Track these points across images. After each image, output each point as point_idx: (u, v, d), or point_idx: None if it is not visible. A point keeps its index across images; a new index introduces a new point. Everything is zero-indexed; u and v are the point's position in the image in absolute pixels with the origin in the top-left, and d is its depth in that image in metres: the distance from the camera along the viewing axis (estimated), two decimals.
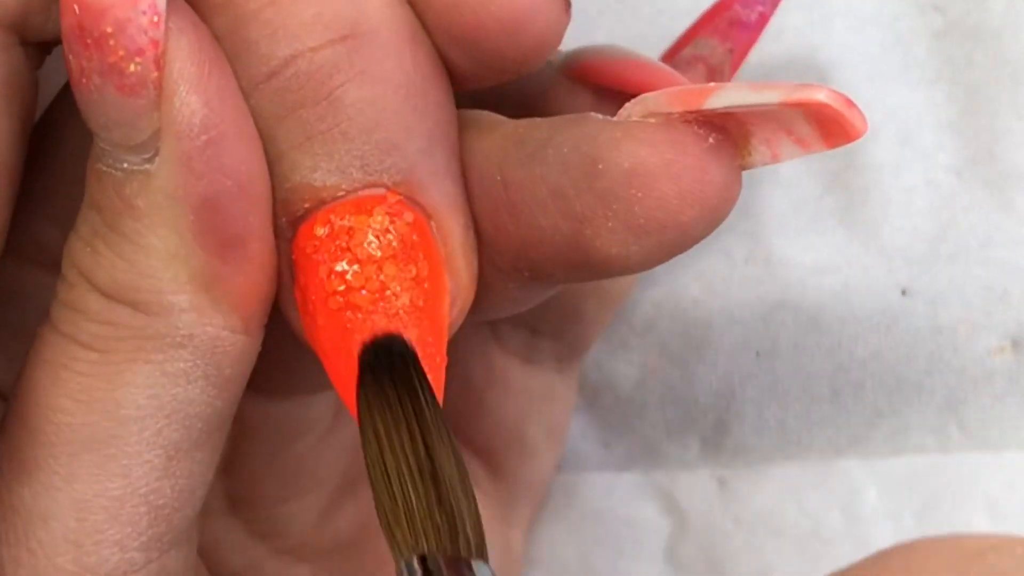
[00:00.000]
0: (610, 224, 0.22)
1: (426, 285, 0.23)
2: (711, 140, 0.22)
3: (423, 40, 0.23)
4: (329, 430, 0.31)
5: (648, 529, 0.35)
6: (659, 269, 0.34)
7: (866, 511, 0.33)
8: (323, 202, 0.23)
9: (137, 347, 0.22)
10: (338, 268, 0.23)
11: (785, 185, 0.33)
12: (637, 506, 0.35)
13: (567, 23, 0.23)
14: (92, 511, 0.22)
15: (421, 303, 0.23)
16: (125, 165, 0.22)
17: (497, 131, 0.24)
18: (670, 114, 0.22)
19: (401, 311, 0.23)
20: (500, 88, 0.26)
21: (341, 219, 0.23)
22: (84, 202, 0.23)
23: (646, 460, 0.35)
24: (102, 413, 0.22)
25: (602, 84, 0.27)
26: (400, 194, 0.23)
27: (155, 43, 0.21)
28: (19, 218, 0.24)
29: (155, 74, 0.21)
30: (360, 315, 0.23)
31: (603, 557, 0.35)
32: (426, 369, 0.23)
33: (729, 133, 0.22)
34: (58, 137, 0.25)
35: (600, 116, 0.23)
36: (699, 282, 0.33)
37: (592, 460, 0.35)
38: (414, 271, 0.23)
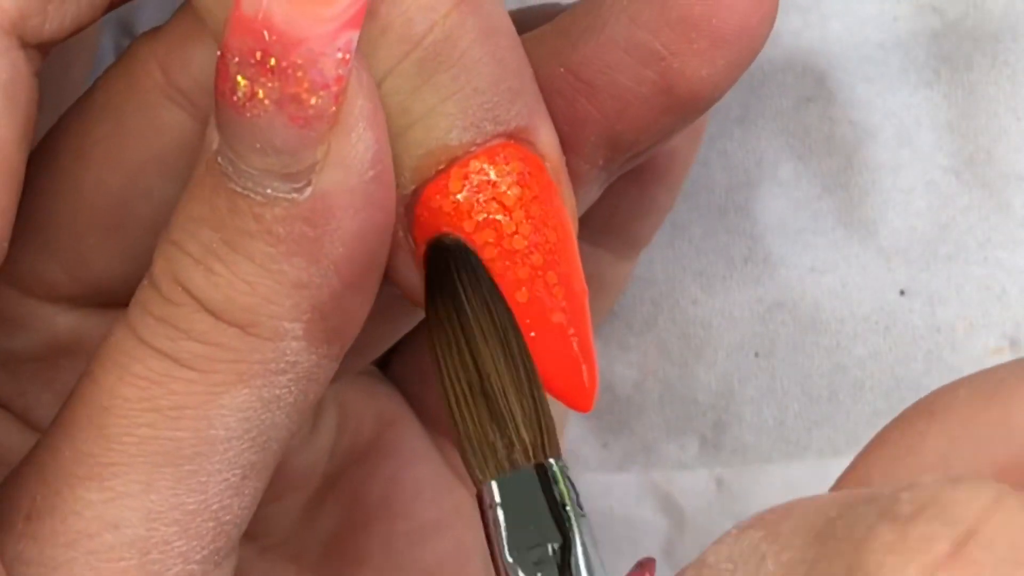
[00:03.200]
0: (695, 46, 0.23)
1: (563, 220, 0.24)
2: None
3: None
4: (310, 431, 0.31)
5: (646, 529, 0.35)
6: (658, 269, 0.34)
7: None
8: (456, 160, 0.23)
9: (240, 371, 0.22)
10: (486, 219, 0.23)
11: (784, 185, 0.33)
12: (635, 506, 0.35)
13: None
14: (164, 523, 0.22)
15: (565, 237, 0.24)
16: (269, 191, 0.22)
17: (532, 39, 0.24)
18: None
19: (554, 248, 0.23)
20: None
21: (478, 172, 0.23)
22: (189, 218, 0.22)
23: (644, 460, 0.35)
24: (191, 431, 0.22)
25: None
26: (522, 139, 0.23)
27: (340, 79, 0.21)
28: (18, 250, 0.24)
29: (333, 109, 0.21)
30: (518, 258, 0.23)
31: (601, 556, 0.35)
32: (574, 301, 0.23)
33: None
34: (55, 169, 0.25)
35: None
36: (698, 282, 0.34)
37: (591, 460, 0.35)
38: (553, 209, 0.23)
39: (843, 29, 0.32)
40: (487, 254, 0.23)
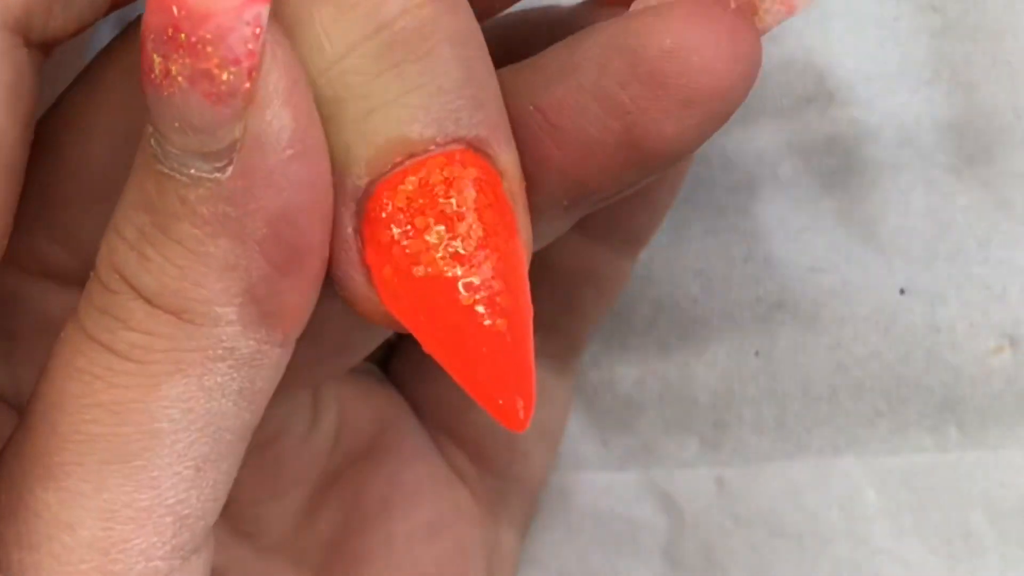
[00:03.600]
0: (662, 104, 0.23)
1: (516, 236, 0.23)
2: (733, 5, 0.23)
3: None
4: (309, 431, 0.31)
5: (646, 528, 0.35)
6: (659, 269, 0.34)
7: (865, 510, 0.33)
8: (414, 155, 0.23)
9: (177, 359, 0.22)
10: (437, 217, 0.23)
11: (784, 185, 0.33)
12: (635, 505, 0.35)
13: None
14: (120, 521, 0.22)
15: (515, 251, 0.23)
16: (192, 171, 0.21)
17: (507, 72, 0.24)
18: None
19: (503, 257, 0.23)
20: (527, 34, 0.27)
21: (434, 171, 0.23)
22: (127, 203, 0.22)
23: (644, 459, 0.35)
24: (135, 425, 0.22)
25: None
26: (482, 151, 0.23)
27: (252, 54, 0.21)
28: (18, 230, 0.24)
29: (247, 85, 0.21)
30: (467, 264, 0.23)
31: (601, 556, 0.35)
32: (518, 315, 0.23)
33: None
34: (56, 149, 0.25)
35: (612, 19, 0.24)
36: (699, 282, 0.34)
37: (590, 459, 0.35)
38: (505, 222, 0.23)
39: (843, 29, 0.32)
40: (436, 253, 0.23)
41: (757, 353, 0.34)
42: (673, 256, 0.34)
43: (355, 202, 0.23)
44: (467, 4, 0.23)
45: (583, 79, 0.23)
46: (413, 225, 0.22)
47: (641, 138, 0.23)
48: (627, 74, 0.23)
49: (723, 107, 0.23)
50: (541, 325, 0.32)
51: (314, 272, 0.23)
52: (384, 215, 0.23)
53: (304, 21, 0.22)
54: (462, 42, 0.23)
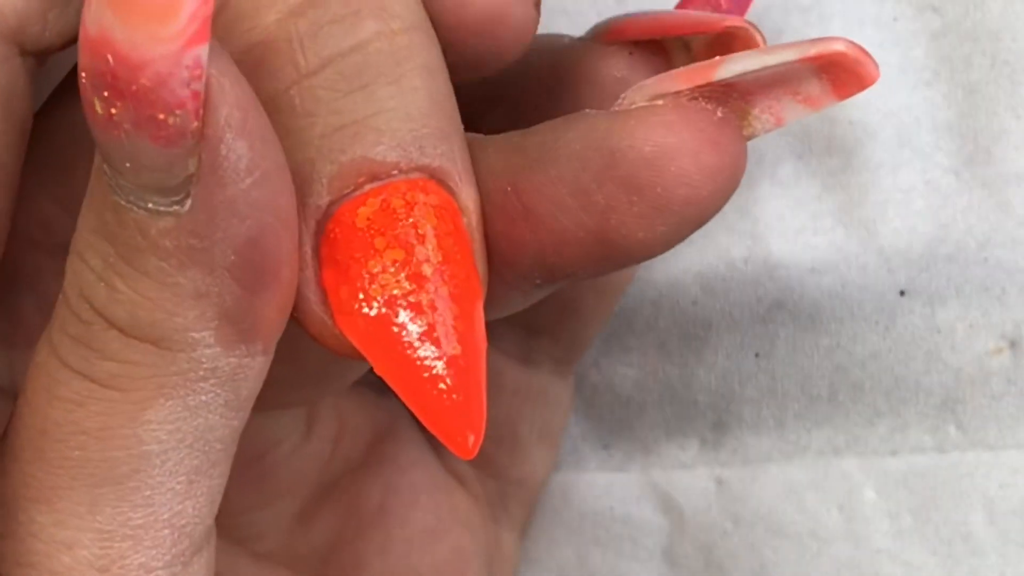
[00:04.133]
0: (635, 209, 0.23)
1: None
2: (719, 114, 0.23)
3: None
4: (303, 440, 0.31)
5: (646, 529, 0.35)
6: (659, 270, 0.34)
7: (864, 510, 0.33)
8: (376, 178, 0.22)
9: (159, 384, 0.22)
10: (398, 240, 0.22)
11: (784, 185, 0.33)
12: (635, 506, 0.35)
13: (537, 20, 0.24)
14: (116, 539, 0.22)
15: (475, 281, 0.23)
16: (150, 205, 0.21)
17: (492, 146, 0.24)
18: (677, 93, 0.23)
19: (460, 283, 0.23)
20: (529, 66, 0.27)
21: (397, 196, 0.22)
22: (87, 227, 0.22)
23: (644, 460, 0.35)
24: (123, 449, 0.22)
25: (640, 36, 0.27)
26: (444, 183, 0.23)
27: (196, 95, 0.20)
28: (24, 198, 0.24)
29: (195, 124, 0.20)
30: (424, 288, 0.22)
31: (601, 556, 0.35)
32: (473, 346, 0.23)
33: (730, 106, 0.23)
34: (66, 116, 0.25)
35: (599, 111, 0.23)
36: (698, 282, 0.34)
37: (590, 460, 0.35)
38: (464, 251, 0.23)
39: (843, 29, 0.32)
40: (393, 275, 0.22)
41: (757, 354, 0.34)
42: (673, 257, 0.34)
43: (315, 221, 0.23)
44: (438, 42, 0.23)
45: (561, 171, 0.23)
46: (372, 247, 0.22)
47: (613, 237, 0.23)
48: (604, 175, 0.23)
49: (698, 215, 0.23)
50: (542, 328, 0.33)
51: (288, 282, 0.22)
52: (344, 236, 0.22)
53: (280, 33, 0.22)
54: (432, 74, 0.23)
